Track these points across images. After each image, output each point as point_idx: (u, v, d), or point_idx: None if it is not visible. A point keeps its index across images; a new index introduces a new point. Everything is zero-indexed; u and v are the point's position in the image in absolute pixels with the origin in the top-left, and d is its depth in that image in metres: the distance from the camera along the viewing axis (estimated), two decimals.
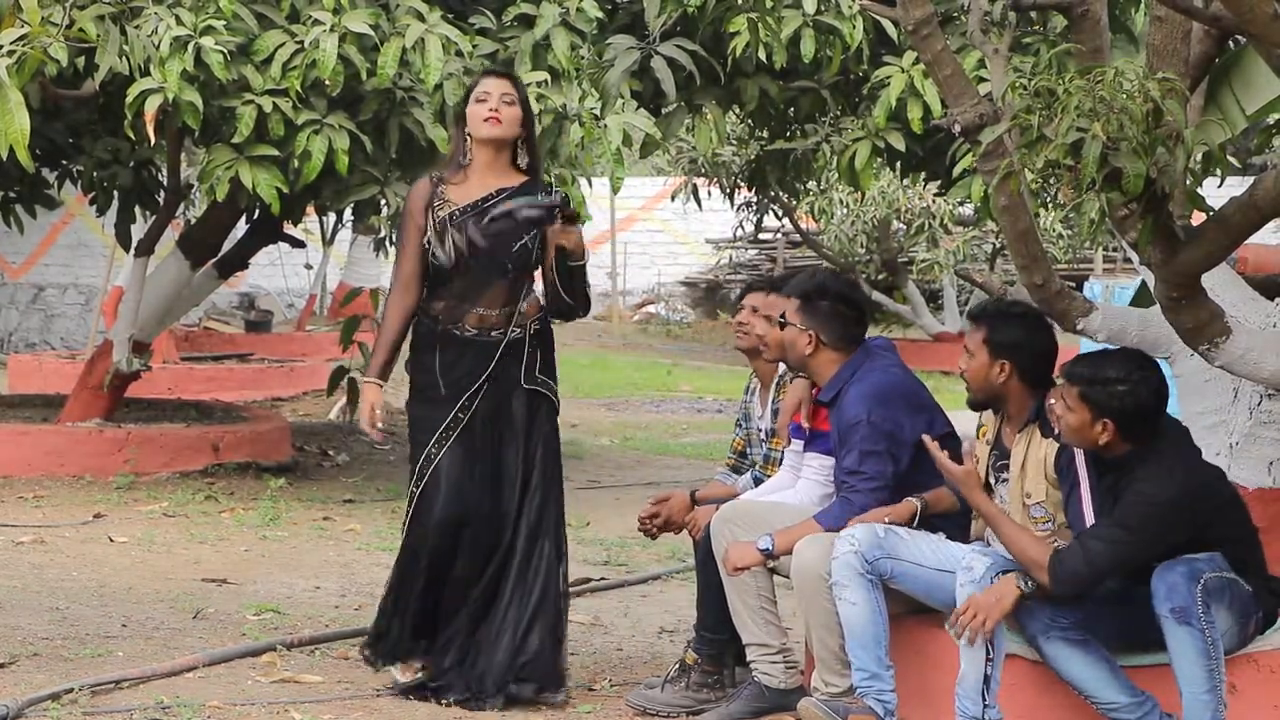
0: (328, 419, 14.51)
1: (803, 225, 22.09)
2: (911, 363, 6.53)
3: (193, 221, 14.49)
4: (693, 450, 13.81)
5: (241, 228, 12.36)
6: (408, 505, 6.10)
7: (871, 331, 6.05)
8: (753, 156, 14.71)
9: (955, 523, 5.66)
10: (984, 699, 5.14)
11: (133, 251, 11.69)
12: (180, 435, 11.48)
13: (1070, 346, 7.71)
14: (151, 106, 8.92)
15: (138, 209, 11.86)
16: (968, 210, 18.76)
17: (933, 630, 5.47)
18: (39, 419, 11.94)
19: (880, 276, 22.41)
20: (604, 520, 10.03)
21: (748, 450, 6.53)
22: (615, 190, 9.96)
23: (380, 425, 6.12)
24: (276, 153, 9.38)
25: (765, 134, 12.23)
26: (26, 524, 9.43)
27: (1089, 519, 5.14)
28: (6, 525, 9.32)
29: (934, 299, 23.38)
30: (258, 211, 11.24)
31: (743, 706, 5.84)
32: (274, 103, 9.23)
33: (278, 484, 10.95)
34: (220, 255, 12.06)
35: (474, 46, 9.49)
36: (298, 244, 12.92)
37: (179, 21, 8.97)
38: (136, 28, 8.91)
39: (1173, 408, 5.25)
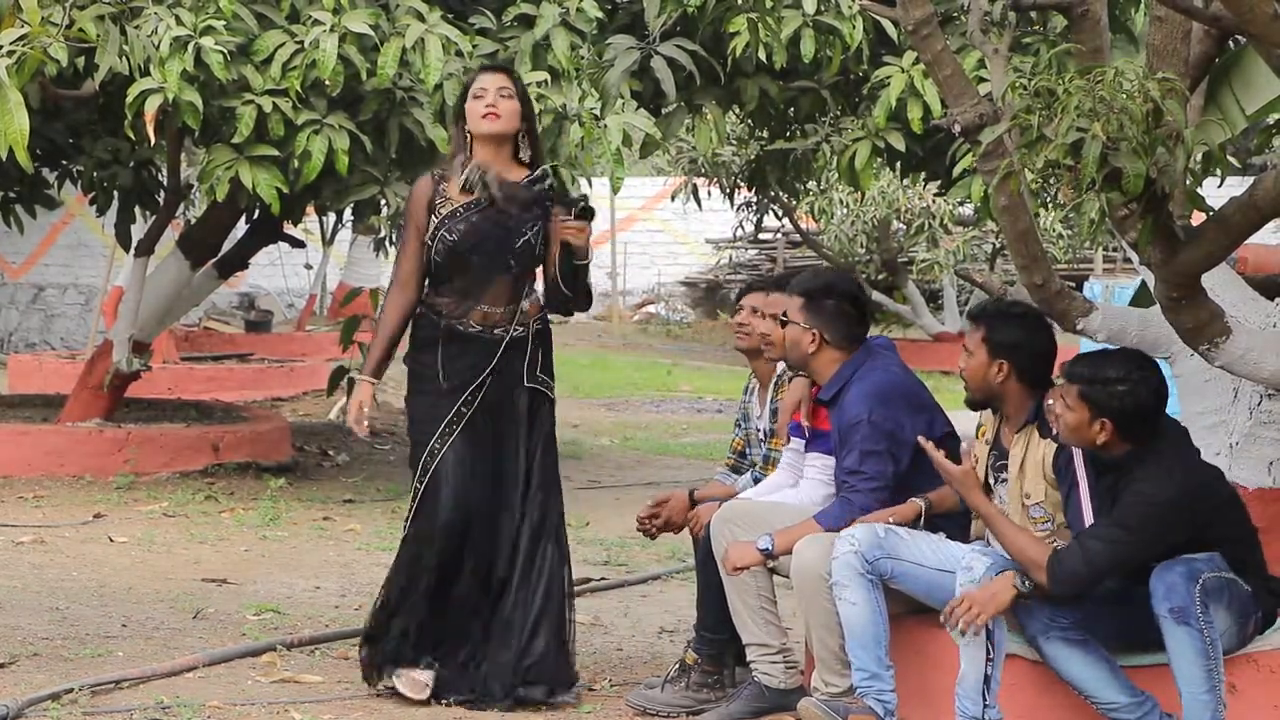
0: (328, 419, 14.49)
1: (803, 225, 22.10)
2: (911, 363, 6.53)
3: (193, 221, 14.50)
4: (693, 450, 13.81)
5: (241, 228, 12.36)
6: (412, 500, 6.05)
7: (871, 331, 6.05)
8: (753, 156, 14.71)
9: (955, 523, 5.66)
10: (984, 699, 5.14)
11: (133, 251, 11.69)
12: (180, 435, 11.48)
13: (1070, 346, 7.72)
14: (151, 106, 8.92)
15: (138, 209, 11.86)
16: (968, 210, 18.76)
17: (933, 630, 5.46)
18: (39, 419, 11.94)
19: (880, 276, 22.41)
20: (604, 520, 10.03)
21: (747, 450, 6.53)
22: (615, 190, 9.96)
23: (368, 424, 6.11)
24: (276, 153, 9.38)
25: (765, 134, 12.23)
26: (26, 524, 9.44)
27: (1088, 519, 5.13)
28: (6, 525, 9.32)
29: (934, 299, 23.39)
30: (258, 211, 11.24)
31: (743, 706, 5.83)
32: (274, 103, 9.23)
33: (278, 484, 10.95)
34: (220, 255, 12.06)
35: (474, 46, 9.49)
36: (298, 244, 12.93)
37: (179, 21, 8.97)
38: (136, 28, 8.91)
39: (1173, 408, 5.25)
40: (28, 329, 23.03)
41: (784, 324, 5.92)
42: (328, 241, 19.52)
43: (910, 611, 5.56)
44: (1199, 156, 5.17)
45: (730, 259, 26.59)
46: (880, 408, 5.69)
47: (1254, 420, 5.91)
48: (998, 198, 5.20)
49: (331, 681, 6.26)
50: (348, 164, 9.34)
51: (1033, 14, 7.34)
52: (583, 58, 9.80)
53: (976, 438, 5.63)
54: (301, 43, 9.22)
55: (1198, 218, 5.37)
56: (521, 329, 6.07)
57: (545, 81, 9.52)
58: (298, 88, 9.24)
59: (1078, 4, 5.57)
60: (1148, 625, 4.97)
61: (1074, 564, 5.02)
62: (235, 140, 9.33)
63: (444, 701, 5.96)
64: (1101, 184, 4.70)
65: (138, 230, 11.93)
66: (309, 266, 21.91)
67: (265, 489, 10.79)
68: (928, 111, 9.62)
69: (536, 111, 8.89)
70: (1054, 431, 5.25)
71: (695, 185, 17.68)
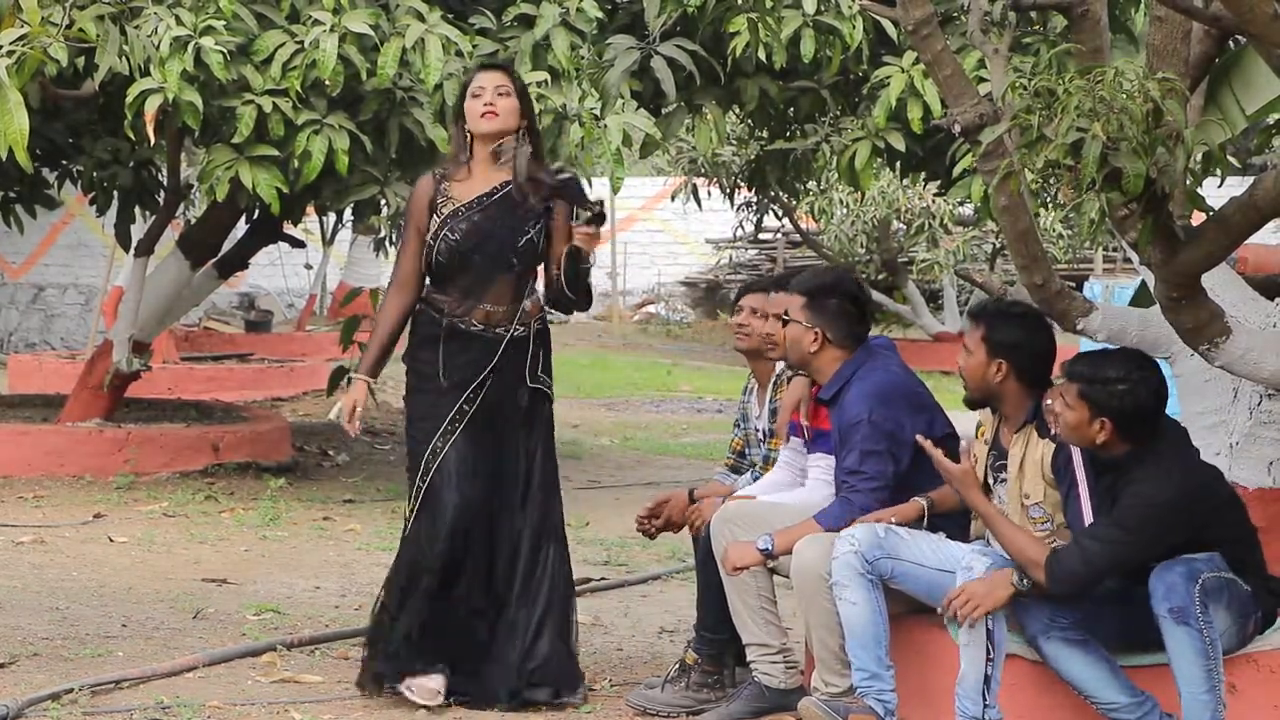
0: (328, 419, 14.49)
1: (803, 225, 22.10)
2: (911, 363, 6.52)
3: (193, 221, 14.50)
4: (693, 450, 13.81)
5: (241, 228, 12.36)
6: (414, 498, 6.00)
7: (872, 331, 6.05)
8: (753, 156, 14.70)
9: (955, 523, 5.65)
10: (984, 699, 5.14)
11: (133, 251, 11.69)
12: (180, 435, 11.48)
13: (1070, 346, 7.72)
14: (151, 106, 8.92)
15: (138, 209, 11.86)
16: (968, 210, 18.77)
17: (933, 630, 5.46)
18: (39, 419, 11.94)
19: (880, 276, 22.41)
20: (604, 520, 10.03)
21: (746, 450, 6.53)
22: (615, 190, 9.95)
23: (359, 422, 6.10)
24: (276, 153, 9.38)
25: (765, 134, 12.23)
26: (26, 524, 9.44)
27: (1087, 519, 5.13)
28: (6, 525, 9.32)
29: (934, 299, 23.39)
30: (258, 211, 11.24)
31: (743, 706, 5.83)
32: (274, 103, 9.23)
33: (278, 484, 10.95)
34: (220, 255, 12.06)
35: (474, 46, 9.49)
36: (298, 244, 12.93)
37: (179, 21, 8.97)
38: (136, 28, 8.91)
39: (1173, 408, 5.25)
40: (28, 329, 23.03)
41: (785, 323, 5.91)
42: (328, 241, 19.53)
43: (910, 611, 5.55)
44: (1199, 156, 5.17)
45: (730, 259, 26.59)
46: (880, 408, 5.69)
47: (1254, 420, 5.91)
48: (998, 198, 5.20)
49: (331, 681, 6.26)
50: (348, 164, 9.34)
51: (1033, 14, 7.33)
52: (583, 58, 9.80)
53: (976, 437, 5.62)
54: (301, 43, 9.22)
55: (1198, 218, 5.36)
56: (523, 328, 6.07)
57: (545, 81, 9.52)
58: (298, 88, 9.24)
59: (1078, 4, 5.57)
60: (1148, 625, 4.97)
61: (1072, 564, 5.02)
62: (235, 140, 9.33)
63: (447, 701, 5.93)
64: (1101, 184, 4.70)
65: (138, 230, 11.93)
66: (309, 266, 21.91)
67: (265, 489, 10.79)
68: (928, 111, 9.62)
69: (536, 112, 8.90)
70: (1053, 431, 5.25)
71: (695, 185, 17.68)
